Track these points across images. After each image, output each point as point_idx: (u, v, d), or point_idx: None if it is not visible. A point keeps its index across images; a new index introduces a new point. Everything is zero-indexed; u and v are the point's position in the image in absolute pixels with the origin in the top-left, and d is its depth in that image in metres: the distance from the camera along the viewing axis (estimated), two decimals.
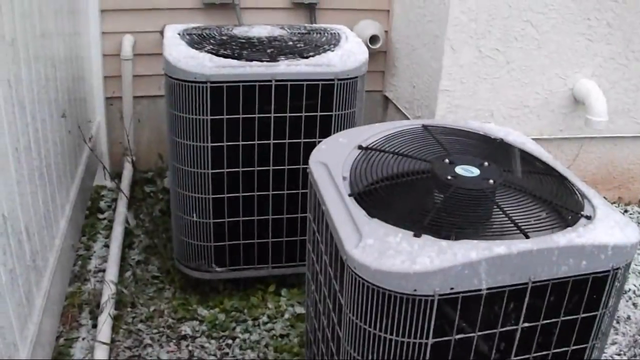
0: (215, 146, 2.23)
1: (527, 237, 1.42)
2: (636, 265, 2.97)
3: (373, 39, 3.30)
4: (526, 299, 1.42)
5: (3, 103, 1.71)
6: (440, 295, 1.34)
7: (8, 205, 1.75)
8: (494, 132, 1.95)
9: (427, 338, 1.39)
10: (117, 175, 3.34)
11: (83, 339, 2.37)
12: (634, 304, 2.71)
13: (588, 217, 1.54)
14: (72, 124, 2.69)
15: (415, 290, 1.33)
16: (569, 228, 1.48)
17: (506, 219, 1.49)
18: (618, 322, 2.59)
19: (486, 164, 1.69)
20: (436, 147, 1.81)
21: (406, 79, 3.23)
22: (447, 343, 1.42)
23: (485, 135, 1.93)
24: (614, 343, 2.46)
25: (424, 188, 1.61)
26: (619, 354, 2.40)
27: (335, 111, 2.25)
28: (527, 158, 1.83)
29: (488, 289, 1.37)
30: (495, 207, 1.53)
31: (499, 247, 1.35)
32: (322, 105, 2.24)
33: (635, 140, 3.23)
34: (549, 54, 2.92)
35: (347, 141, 1.86)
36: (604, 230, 1.49)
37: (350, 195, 1.59)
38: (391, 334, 1.40)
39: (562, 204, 1.59)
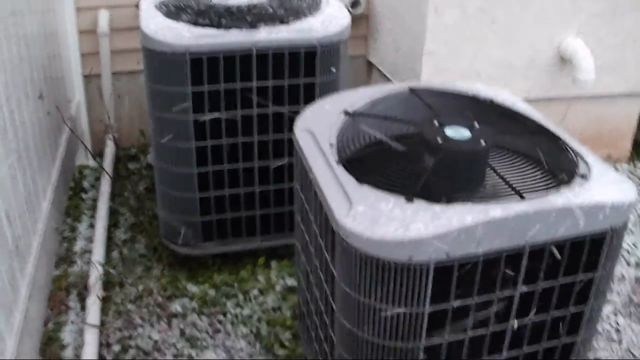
0: (197, 119, 2.17)
1: (523, 198, 1.38)
2: (629, 225, 2.96)
3: (354, 3, 3.23)
4: (524, 263, 1.39)
5: None
6: (436, 262, 1.30)
7: None
8: (483, 93, 1.90)
9: (423, 307, 1.36)
10: (99, 154, 3.27)
11: (72, 322, 2.32)
12: (627, 263, 2.70)
13: (584, 176, 1.50)
14: (50, 104, 2.61)
15: (410, 257, 1.29)
16: (565, 188, 1.44)
17: (500, 180, 1.45)
18: (612, 282, 2.57)
19: (477, 125, 1.64)
20: (424, 109, 1.76)
21: (389, 43, 3.16)
22: (445, 311, 1.39)
23: (475, 96, 1.88)
24: (609, 302, 2.45)
25: (413, 152, 1.56)
26: (615, 314, 2.39)
27: (319, 78, 2.19)
28: (519, 118, 1.78)
29: (485, 253, 1.33)
30: (488, 169, 1.49)
31: (495, 210, 1.31)
32: (305, 72, 2.18)
33: (623, 97, 3.19)
34: (533, 13, 2.86)
35: (333, 107, 1.80)
36: (601, 189, 1.45)
37: (338, 162, 1.54)
38: (386, 303, 1.36)
39: (556, 163, 1.55)
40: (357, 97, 1.85)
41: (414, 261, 1.29)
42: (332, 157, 1.56)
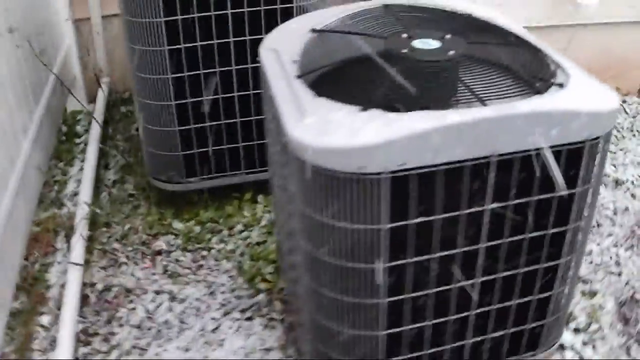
0: (173, 49, 2.09)
1: (485, 104, 1.28)
2: (635, 156, 2.83)
3: None
4: (491, 175, 1.30)
5: None
6: (390, 172, 1.22)
7: None
8: (462, 8, 1.78)
9: (381, 223, 1.28)
10: (92, 99, 3.22)
11: (59, 263, 2.29)
12: (632, 195, 2.58)
13: (560, 85, 1.40)
14: (23, 39, 2.51)
15: (360, 167, 1.21)
16: (537, 96, 1.34)
17: (465, 90, 1.35)
18: (615, 214, 2.46)
19: (448, 36, 1.53)
20: (396, 25, 1.65)
21: None
22: (406, 228, 1.31)
23: (453, 11, 1.76)
24: (610, 235, 2.34)
25: (376, 64, 1.46)
26: (615, 246, 2.28)
27: (297, 2, 2.09)
28: (497, 30, 1.66)
29: (445, 164, 1.24)
30: (453, 78, 1.39)
31: (452, 116, 1.22)
32: None
33: (632, 25, 3.02)
34: None
35: (301, 26, 1.70)
36: (577, 96, 1.35)
37: (298, 77, 1.45)
38: (342, 220, 1.29)
39: (532, 73, 1.44)
40: (327, 16, 1.75)
41: (365, 172, 1.21)
42: (293, 73, 1.48)
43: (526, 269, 1.47)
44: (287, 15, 2.10)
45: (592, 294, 2.07)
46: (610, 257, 2.22)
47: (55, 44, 2.97)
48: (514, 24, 1.74)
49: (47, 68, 2.61)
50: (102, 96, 3.12)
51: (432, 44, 1.49)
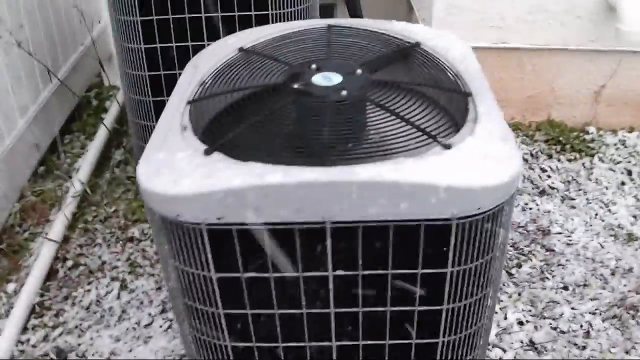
0: (148, 47, 2.12)
1: (331, 164, 1.17)
2: None
3: None
4: (328, 242, 1.19)
5: None
6: (207, 224, 1.16)
7: None
8: (414, 36, 1.62)
9: (209, 272, 1.23)
10: None
11: (46, 234, 2.42)
12: None
13: (446, 146, 1.25)
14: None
15: (178, 215, 1.16)
16: (405, 157, 1.20)
17: (326, 140, 1.25)
18: (613, 274, 2.18)
19: (359, 71, 1.41)
20: (321, 50, 1.56)
21: None
22: (238, 280, 1.25)
23: (399, 38, 1.61)
24: (594, 299, 2.08)
25: (262, 99, 1.39)
26: (593, 313, 2.02)
27: (273, 9, 2.02)
28: (430, 67, 1.51)
29: (269, 224, 1.16)
30: (323, 125, 1.29)
31: (273, 175, 1.13)
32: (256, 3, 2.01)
33: None
34: None
35: (236, 42, 1.65)
36: (450, 165, 1.19)
37: (189, 102, 1.41)
38: (175, 260, 1.25)
39: (427, 126, 1.30)
40: (267, 33, 1.68)
41: (183, 220, 1.16)
42: (188, 97, 1.44)
43: (394, 341, 1.35)
44: (264, 22, 2.05)
45: None
46: (581, 326, 1.98)
47: (89, 22, 3.08)
48: (469, 58, 1.57)
49: (31, 56, 2.58)
50: None
51: (333, 79, 1.38)
